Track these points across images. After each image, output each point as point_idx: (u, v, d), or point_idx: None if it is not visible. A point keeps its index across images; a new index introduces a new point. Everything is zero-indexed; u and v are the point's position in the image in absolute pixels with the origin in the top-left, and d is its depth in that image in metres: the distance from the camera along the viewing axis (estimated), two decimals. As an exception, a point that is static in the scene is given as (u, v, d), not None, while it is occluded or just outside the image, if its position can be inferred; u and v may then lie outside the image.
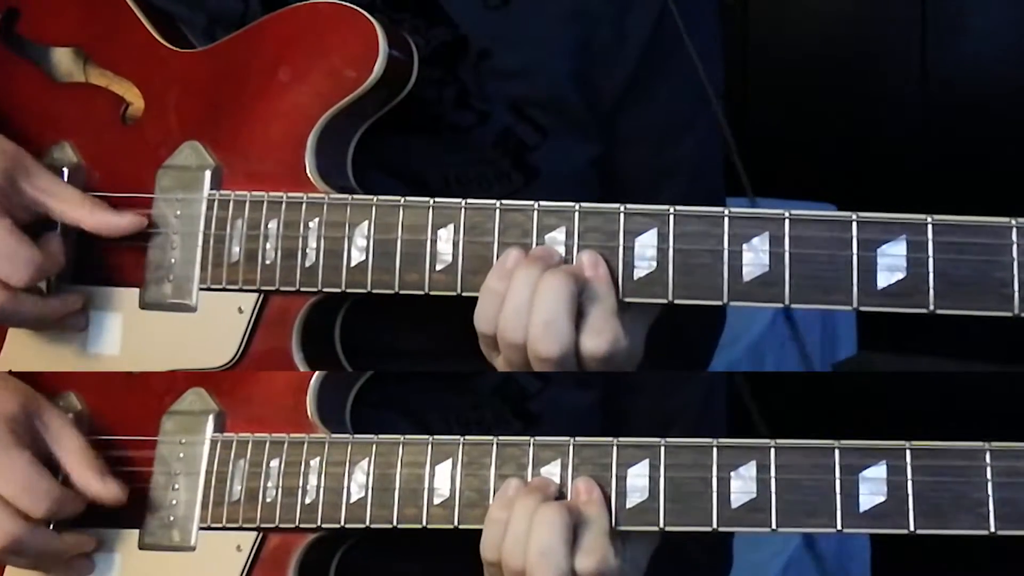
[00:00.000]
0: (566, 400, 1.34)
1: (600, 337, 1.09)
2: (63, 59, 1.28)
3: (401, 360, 1.29)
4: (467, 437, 1.16)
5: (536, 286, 1.09)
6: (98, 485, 1.20)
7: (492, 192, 1.16)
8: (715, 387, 1.42)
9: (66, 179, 1.22)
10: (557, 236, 1.12)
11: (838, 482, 1.08)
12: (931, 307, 1.05)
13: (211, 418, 1.22)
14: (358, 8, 1.19)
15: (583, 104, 1.29)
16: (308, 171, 1.19)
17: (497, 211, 1.13)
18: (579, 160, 1.30)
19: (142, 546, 1.22)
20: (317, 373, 1.21)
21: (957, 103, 4.09)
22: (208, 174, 1.21)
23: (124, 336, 1.22)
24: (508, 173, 1.27)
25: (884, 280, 1.06)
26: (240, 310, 1.19)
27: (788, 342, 3.16)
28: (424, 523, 1.15)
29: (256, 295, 1.18)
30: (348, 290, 1.16)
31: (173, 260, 1.20)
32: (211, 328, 1.19)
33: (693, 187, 1.33)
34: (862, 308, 1.07)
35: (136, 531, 1.22)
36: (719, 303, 1.09)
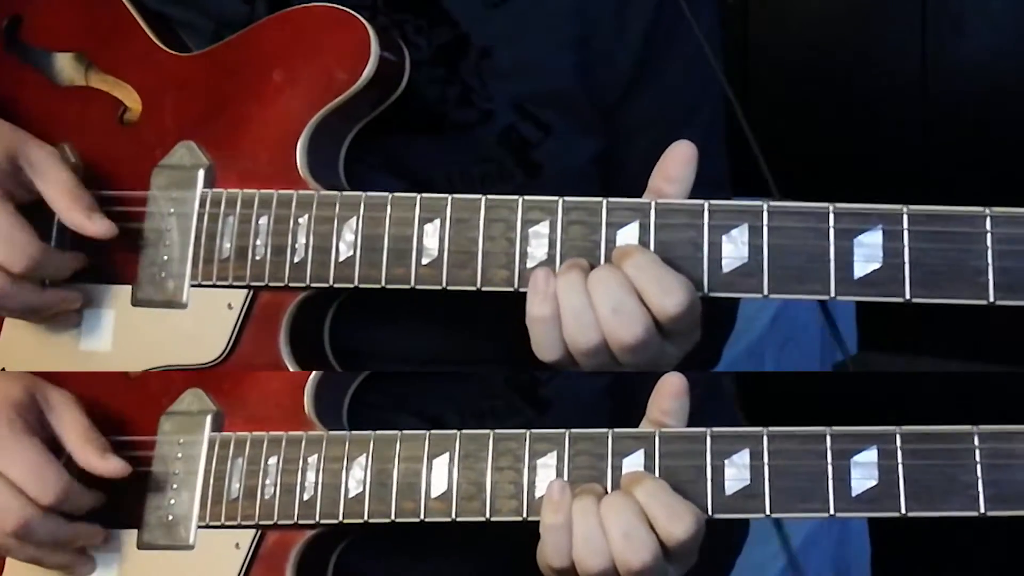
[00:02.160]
0: (576, 386, 1.34)
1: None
2: (65, 64, 1.29)
3: (394, 364, 1.29)
4: (463, 431, 1.16)
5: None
6: (98, 461, 1.20)
7: (495, 190, 1.16)
8: (717, 385, 1.43)
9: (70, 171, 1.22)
10: (541, 230, 1.13)
11: (830, 467, 1.09)
12: (907, 296, 1.07)
13: (209, 418, 1.23)
14: (351, 11, 1.21)
15: (585, 100, 1.30)
16: (300, 170, 1.20)
17: (482, 205, 1.14)
18: (582, 156, 1.31)
19: (141, 545, 1.22)
20: (314, 372, 1.22)
21: (957, 103, 4.08)
22: (202, 173, 1.22)
23: (116, 332, 1.22)
24: (511, 170, 1.28)
25: (861, 270, 1.07)
26: (229, 306, 1.19)
27: (789, 342, 3.17)
28: (422, 516, 1.15)
29: (246, 291, 1.19)
30: (336, 284, 1.16)
31: (166, 257, 1.21)
32: (201, 324, 1.20)
33: (699, 176, 1.34)
34: (839, 297, 1.08)
35: (135, 530, 1.22)
36: (699, 294, 1.10)
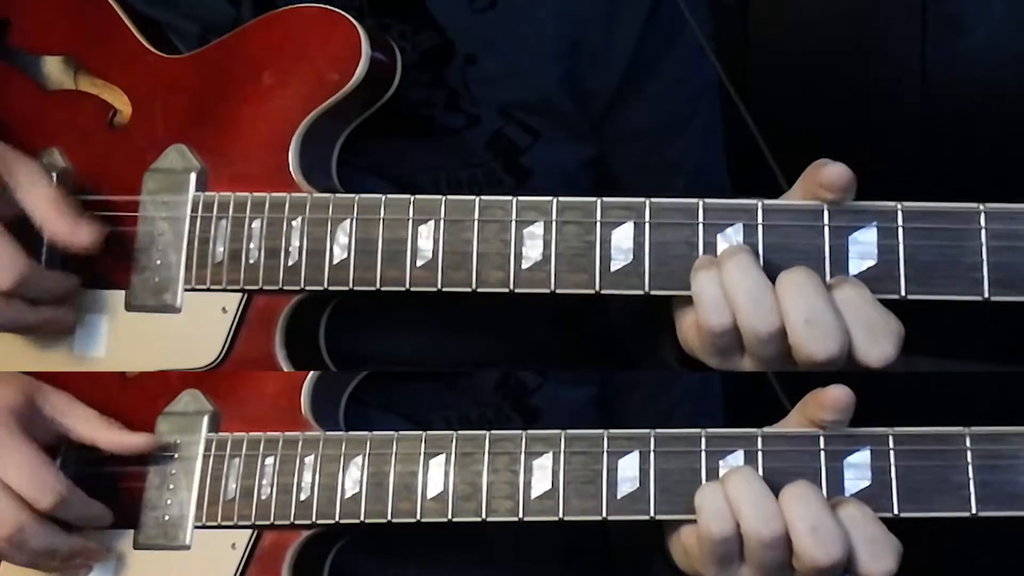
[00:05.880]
0: (566, 395, 1.35)
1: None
2: (54, 68, 1.29)
3: (390, 367, 1.30)
4: (460, 432, 1.16)
5: (777, 281, 1.05)
6: (119, 437, 1.20)
7: (485, 195, 1.17)
8: (711, 382, 1.43)
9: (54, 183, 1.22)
10: (535, 230, 1.13)
11: (824, 468, 1.09)
12: (903, 292, 1.07)
13: (206, 418, 1.23)
14: (341, 12, 1.20)
15: (573, 106, 1.30)
16: (292, 172, 1.20)
17: (476, 206, 1.14)
18: (571, 161, 1.31)
19: (137, 546, 1.22)
20: (311, 373, 1.22)
21: (957, 103, 4.08)
22: (193, 176, 1.22)
23: (110, 338, 1.22)
24: (500, 175, 1.28)
25: (856, 267, 1.07)
26: (224, 310, 1.19)
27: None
28: (418, 517, 1.15)
29: (240, 295, 1.19)
30: (330, 287, 1.16)
31: (159, 261, 1.21)
32: (195, 329, 1.20)
33: (694, 185, 1.34)
34: None
35: (132, 531, 1.22)
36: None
